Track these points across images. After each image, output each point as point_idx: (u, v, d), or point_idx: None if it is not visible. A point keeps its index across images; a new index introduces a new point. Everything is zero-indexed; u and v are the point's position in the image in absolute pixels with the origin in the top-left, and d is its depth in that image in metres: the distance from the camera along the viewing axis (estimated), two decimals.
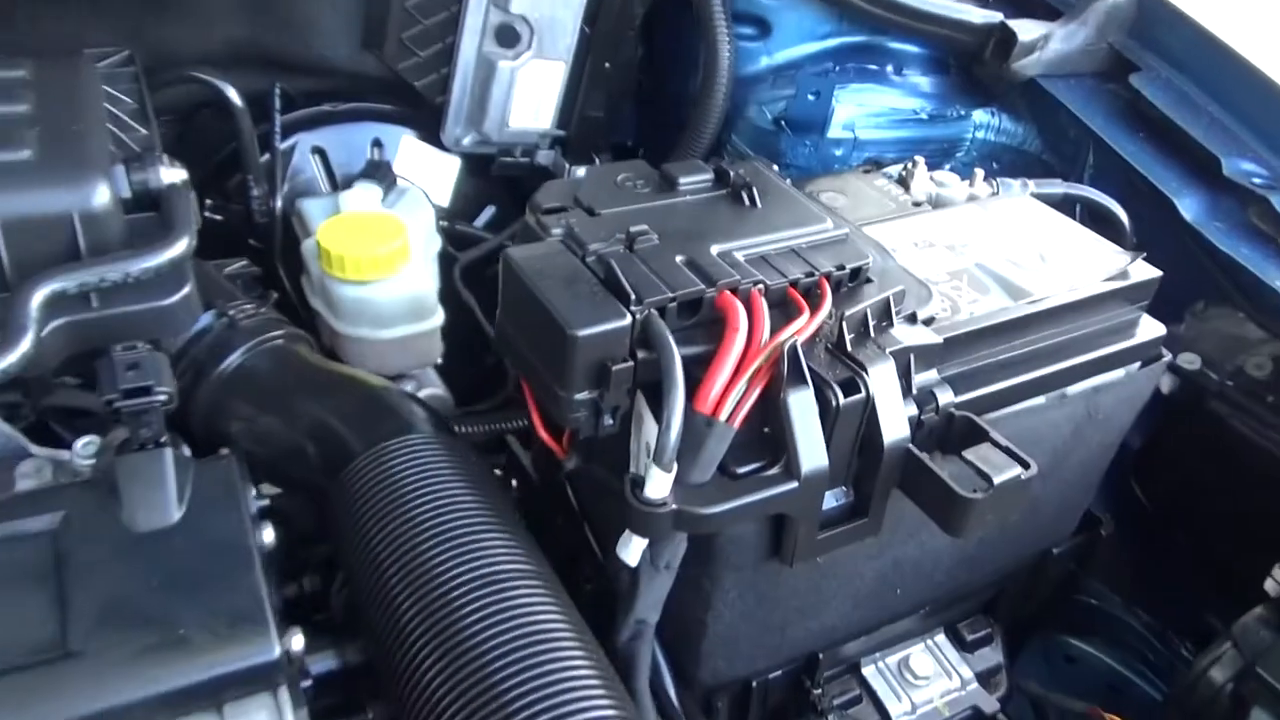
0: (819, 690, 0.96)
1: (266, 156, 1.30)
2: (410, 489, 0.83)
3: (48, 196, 0.81)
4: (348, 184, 1.39)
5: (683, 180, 0.93)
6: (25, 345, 0.75)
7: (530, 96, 1.41)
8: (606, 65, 1.42)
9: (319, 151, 1.40)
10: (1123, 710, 1.16)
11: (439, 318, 1.21)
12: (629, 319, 0.74)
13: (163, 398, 0.78)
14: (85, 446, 0.81)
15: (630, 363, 0.74)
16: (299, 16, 1.29)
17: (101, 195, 0.83)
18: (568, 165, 1.49)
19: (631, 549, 0.78)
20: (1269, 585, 0.92)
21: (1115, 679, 1.36)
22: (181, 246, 0.85)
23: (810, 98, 1.34)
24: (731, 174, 0.94)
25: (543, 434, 0.86)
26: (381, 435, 0.88)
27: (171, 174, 0.90)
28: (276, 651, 0.67)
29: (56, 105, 0.91)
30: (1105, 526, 1.14)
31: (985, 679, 1.07)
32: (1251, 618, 0.91)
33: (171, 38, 1.23)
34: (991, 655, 1.09)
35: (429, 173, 1.46)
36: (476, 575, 0.75)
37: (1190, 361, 1.15)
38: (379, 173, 1.32)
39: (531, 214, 0.88)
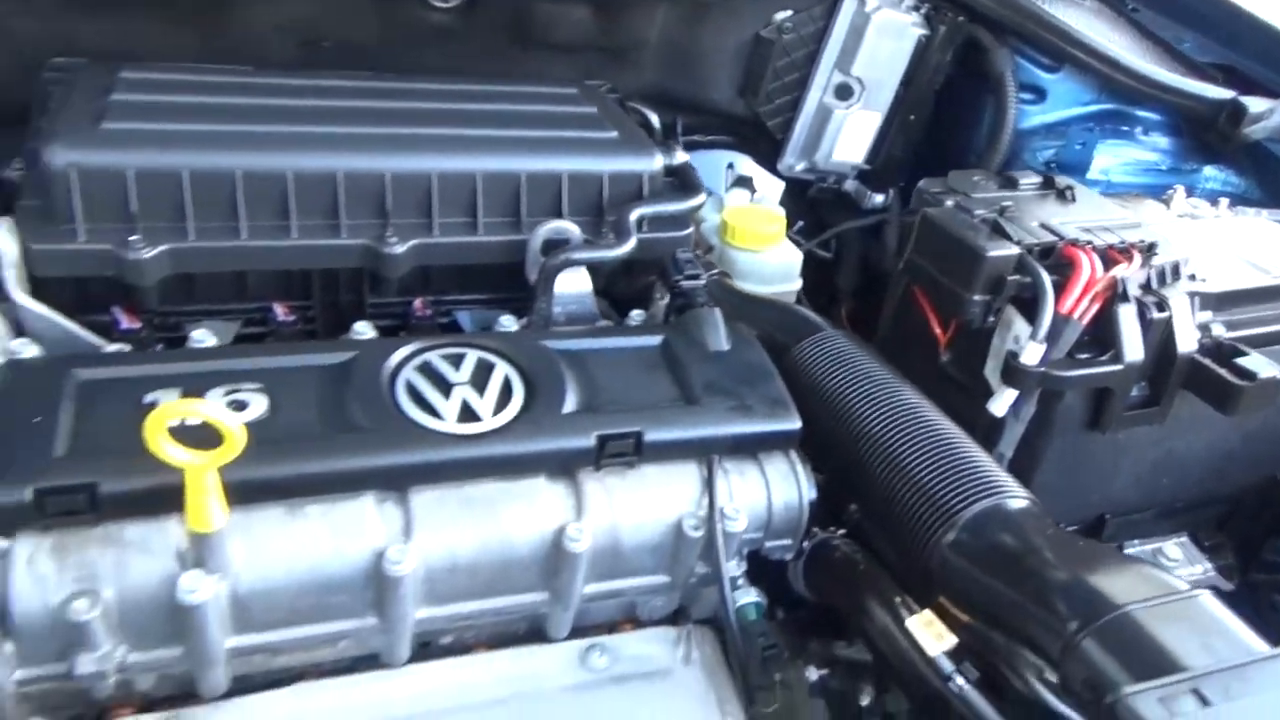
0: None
1: None
2: (837, 360, 1.25)
3: (631, 161, 1.30)
4: (710, 193, 1.88)
5: (1022, 181, 1.36)
6: (632, 242, 1.23)
7: (852, 137, 1.87)
8: (911, 118, 1.87)
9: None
10: None
11: (798, 283, 1.65)
12: (1017, 248, 1.17)
13: (704, 280, 1.24)
14: (637, 315, 1.29)
15: (1018, 276, 1.16)
16: (701, 72, 1.79)
17: (657, 163, 1.32)
18: (868, 192, 1.94)
19: (1002, 400, 1.18)
20: None
21: None
22: (700, 199, 1.33)
23: (1078, 147, 1.76)
24: (1055, 179, 1.36)
25: (937, 330, 1.28)
26: (806, 334, 1.32)
27: (681, 156, 1.39)
28: (799, 424, 1.10)
29: (606, 109, 1.42)
30: None
31: (1220, 573, 1.41)
32: None
33: (613, 79, 1.75)
34: (1225, 557, 1.43)
35: (761, 189, 1.93)
36: (901, 404, 1.16)
37: None
38: (747, 184, 1.80)
39: (923, 194, 1.32)
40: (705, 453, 1.07)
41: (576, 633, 1.09)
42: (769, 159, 1.94)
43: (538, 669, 1.05)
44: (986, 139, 1.80)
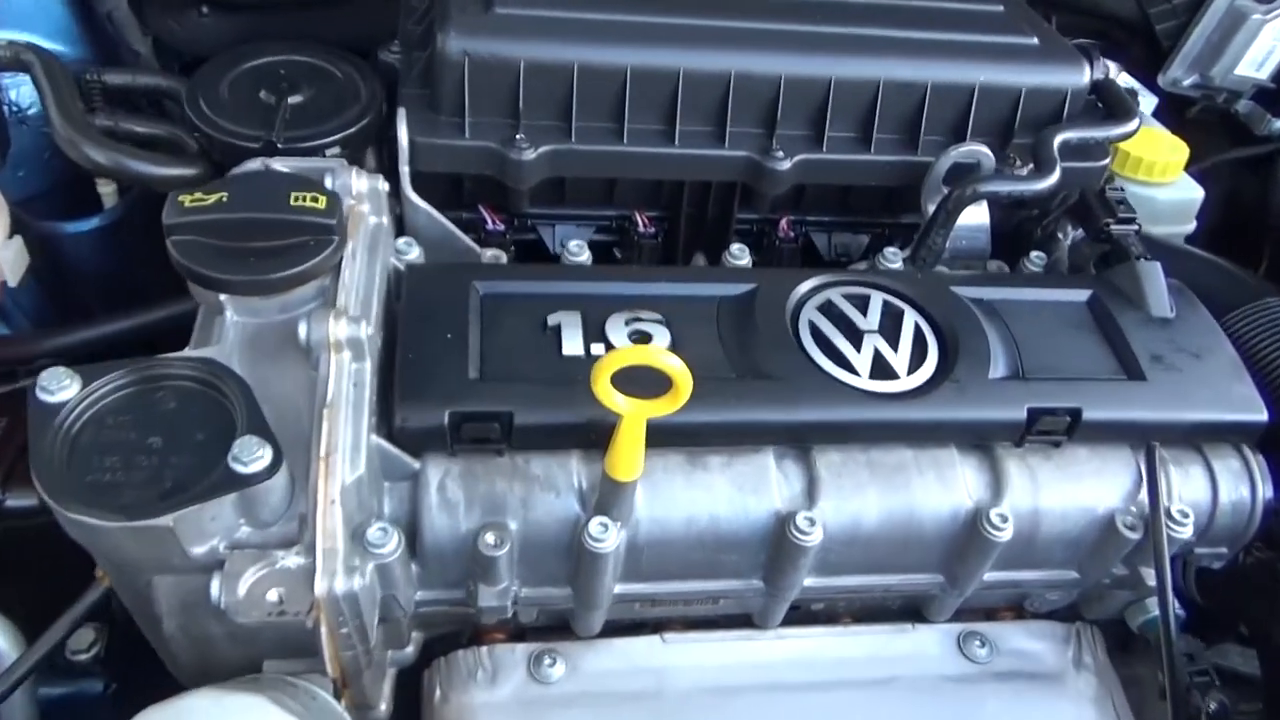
0: None
1: None
2: None
3: (1055, 74, 1.09)
4: None
5: None
6: (1057, 173, 1.04)
7: (1264, 48, 1.55)
8: None
9: None
10: None
11: (1192, 226, 1.40)
12: None
13: (1137, 226, 1.05)
14: (1037, 258, 1.11)
15: None
16: None
17: (1084, 77, 1.10)
18: (1267, 116, 1.62)
19: None
20: None
21: None
22: (1134, 125, 1.11)
23: None
24: None
25: None
26: (1244, 298, 1.09)
27: (1110, 68, 1.17)
28: (1266, 416, 0.91)
29: (1015, 7, 1.20)
30: None
31: None
32: None
33: None
34: None
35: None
36: None
37: None
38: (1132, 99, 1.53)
39: None
40: (1146, 438, 0.90)
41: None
42: (1142, 68, 1.65)
43: (914, 651, 0.95)
44: None
